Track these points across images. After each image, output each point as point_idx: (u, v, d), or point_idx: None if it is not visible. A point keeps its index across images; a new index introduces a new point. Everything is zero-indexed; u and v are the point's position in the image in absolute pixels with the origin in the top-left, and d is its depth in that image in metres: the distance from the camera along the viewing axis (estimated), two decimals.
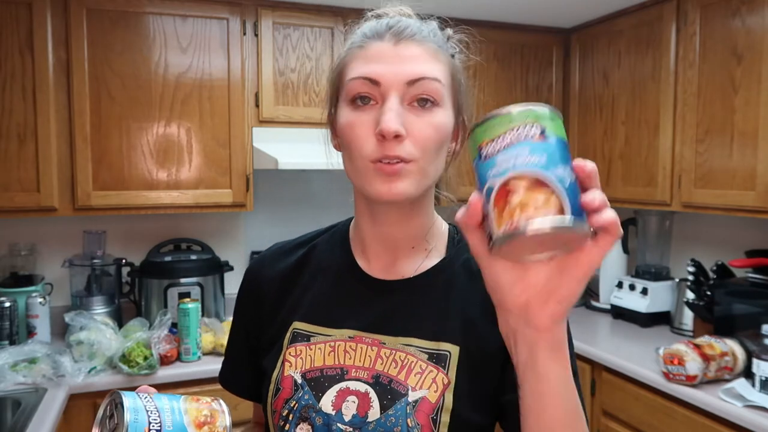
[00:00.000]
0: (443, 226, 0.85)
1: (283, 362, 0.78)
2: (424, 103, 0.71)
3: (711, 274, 2.15)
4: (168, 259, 2.35)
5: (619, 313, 2.58)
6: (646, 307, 2.44)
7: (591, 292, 2.99)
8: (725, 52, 2.02)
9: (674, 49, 2.21)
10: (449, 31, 0.81)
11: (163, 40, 2.21)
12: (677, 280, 2.44)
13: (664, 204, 2.29)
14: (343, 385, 0.75)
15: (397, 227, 0.79)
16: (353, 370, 0.76)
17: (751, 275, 2.06)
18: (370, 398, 0.74)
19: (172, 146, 2.24)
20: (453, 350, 0.74)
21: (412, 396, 0.73)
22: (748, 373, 1.81)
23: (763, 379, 1.68)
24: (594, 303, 2.80)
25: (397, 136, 0.69)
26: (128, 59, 2.17)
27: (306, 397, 0.75)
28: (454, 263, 0.80)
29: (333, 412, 0.74)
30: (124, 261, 2.38)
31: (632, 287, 2.52)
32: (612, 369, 2.10)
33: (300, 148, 2.34)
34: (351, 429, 0.72)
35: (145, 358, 1.97)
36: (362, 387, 0.74)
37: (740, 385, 1.75)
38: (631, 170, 2.44)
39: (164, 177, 2.24)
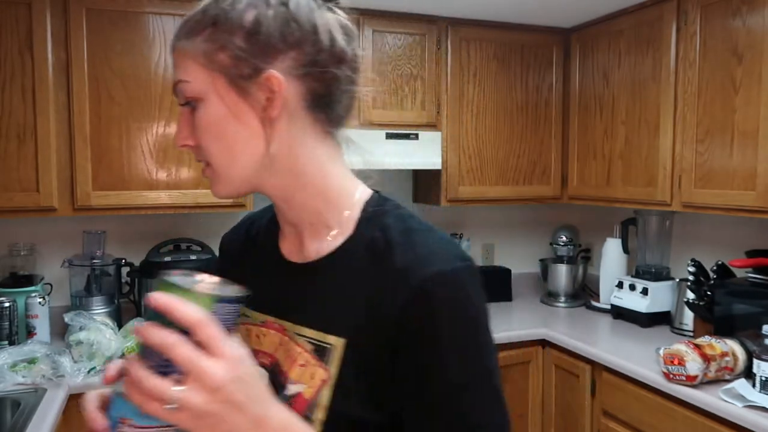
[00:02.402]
0: (357, 196, 0.76)
1: None
2: (189, 106, 0.71)
3: (711, 274, 2.15)
4: (168, 259, 2.35)
5: (619, 313, 2.58)
6: (646, 307, 2.44)
7: (591, 292, 2.99)
8: (726, 51, 2.02)
9: (674, 48, 2.21)
10: None
11: (163, 40, 2.20)
12: (677, 280, 2.43)
13: (664, 204, 2.28)
14: None
15: (281, 209, 0.78)
16: (259, 354, 0.75)
17: (751, 275, 2.06)
18: None
19: (171, 146, 2.24)
20: (338, 343, 0.69)
21: (289, 390, 0.70)
22: (748, 374, 1.81)
23: (764, 379, 1.68)
24: (594, 303, 2.80)
25: (187, 147, 0.72)
26: (128, 59, 2.17)
27: None
28: (357, 244, 0.73)
29: None
30: (123, 261, 2.38)
31: (632, 287, 2.51)
32: (612, 369, 2.10)
33: None
34: None
35: None
36: (262, 372, 0.74)
37: (740, 385, 1.75)
38: (631, 170, 2.44)
39: (164, 177, 2.24)
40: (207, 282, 0.58)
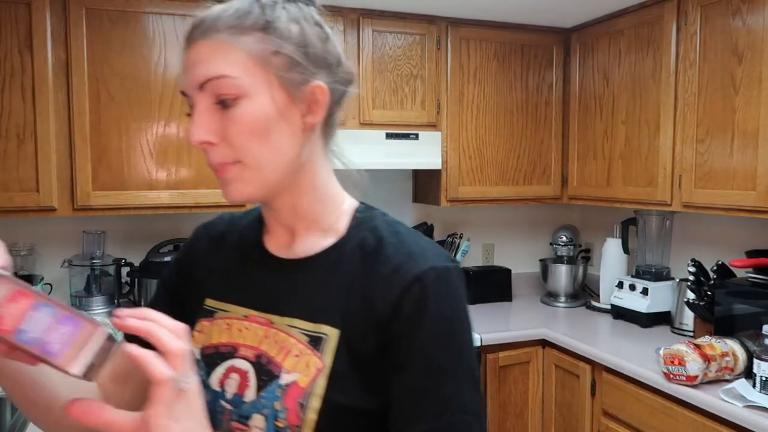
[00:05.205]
0: (346, 204, 0.81)
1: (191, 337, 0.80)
2: (224, 102, 0.69)
3: (711, 274, 2.15)
4: (168, 259, 2.35)
5: (619, 313, 2.58)
6: (646, 307, 2.44)
7: (591, 292, 2.99)
8: (726, 51, 2.02)
9: (675, 48, 2.21)
10: None
11: (163, 40, 2.20)
12: (677, 280, 2.43)
13: (664, 204, 2.28)
14: (231, 362, 0.76)
15: (283, 212, 0.78)
16: (242, 348, 0.76)
17: (751, 275, 2.06)
18: (248, 378, 0.74)
19: (171, 146, 2.24)
20: (331, 333, 0.72)
21: (284, 379, 0.71)
22: (748, 374, 1.81)
23: (764, 379, 1.68)
24: (594, 303, 2.80)
25: (209, 144, 0.70)
26: (128, 59, 2.17)
27: (201, 372, 0.77)
28: (348, 243, 0.77)
29: (219, 389, 0.75)
30: (123, 261, 2.38)
31: (632, 287, 2.51)
32: (612, 369, 2.10)
33: None
34: (230, 407, 0.73)
35: None
36: (245, 366, 0.75)
37: (741, 385, 1.75)
38: (631, 170, 2.44)
39: (164, 177, 2.24)
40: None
